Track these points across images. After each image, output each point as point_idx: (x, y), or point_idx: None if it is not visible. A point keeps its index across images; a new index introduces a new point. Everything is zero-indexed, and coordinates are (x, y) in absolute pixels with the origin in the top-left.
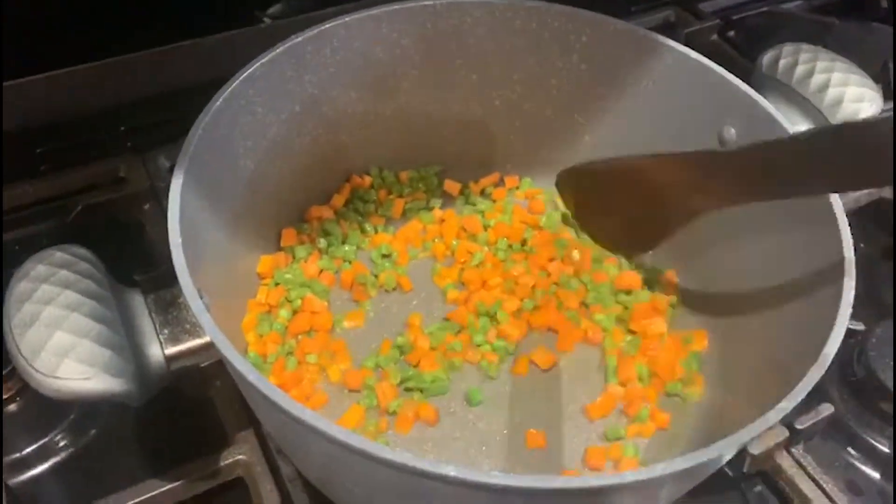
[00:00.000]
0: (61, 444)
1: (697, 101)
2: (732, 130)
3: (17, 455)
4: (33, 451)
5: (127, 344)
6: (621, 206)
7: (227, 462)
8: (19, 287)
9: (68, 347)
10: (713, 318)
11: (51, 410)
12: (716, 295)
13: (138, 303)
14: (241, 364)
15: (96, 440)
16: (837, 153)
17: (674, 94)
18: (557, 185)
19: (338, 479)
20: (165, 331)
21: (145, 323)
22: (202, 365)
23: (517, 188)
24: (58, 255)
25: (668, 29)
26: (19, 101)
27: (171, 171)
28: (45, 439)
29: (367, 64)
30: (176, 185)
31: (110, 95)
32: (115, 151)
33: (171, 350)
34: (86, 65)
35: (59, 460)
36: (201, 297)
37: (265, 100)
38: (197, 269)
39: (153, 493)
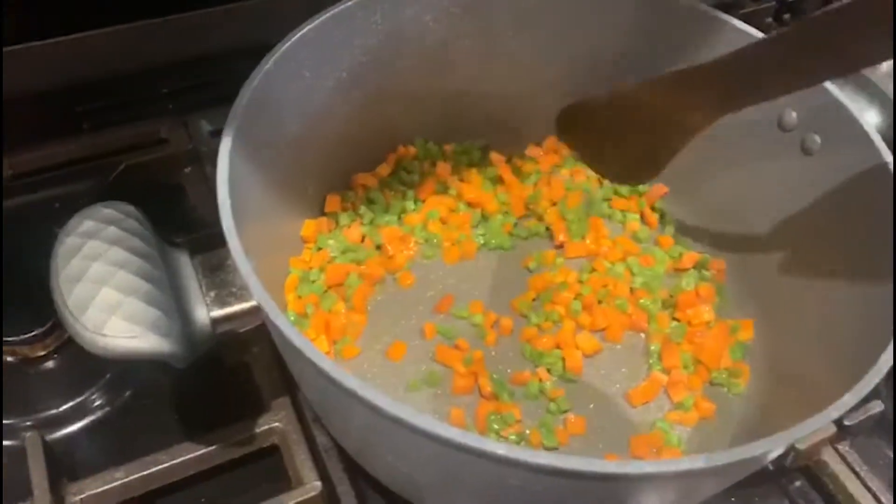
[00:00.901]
0: (97, 402)
1: None
2: (794, 114)
3: (54, 412)
4: (69, 408)
5: (174, 304)
6: (622, 136)
7: (262, 429)
8: (67, 242)
9: (115, 305)
10: (761, 307)
11: (87, 369)
12: (765, 283)
13: (184, 264)
14: (288, 329)
15: (131, 400)
16: (831, 32)
17: None
18: (557, 124)
19: (378, 450)
20: (212, 293)
21: (192, 284)
22: (241, 330)
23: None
24: (106, 211)
25: (722, 10)
26: (60, 59)
27: (212, 135)
28: (81, 397)
29: (417, 32)
30: (225, 146)
31: (152, 57)
32: (157, 113)
33: (217, 313)
34: (127, 25)
35: (94, 419)
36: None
37: (314, 64)
38: (241, 231)
39: (188, 457)
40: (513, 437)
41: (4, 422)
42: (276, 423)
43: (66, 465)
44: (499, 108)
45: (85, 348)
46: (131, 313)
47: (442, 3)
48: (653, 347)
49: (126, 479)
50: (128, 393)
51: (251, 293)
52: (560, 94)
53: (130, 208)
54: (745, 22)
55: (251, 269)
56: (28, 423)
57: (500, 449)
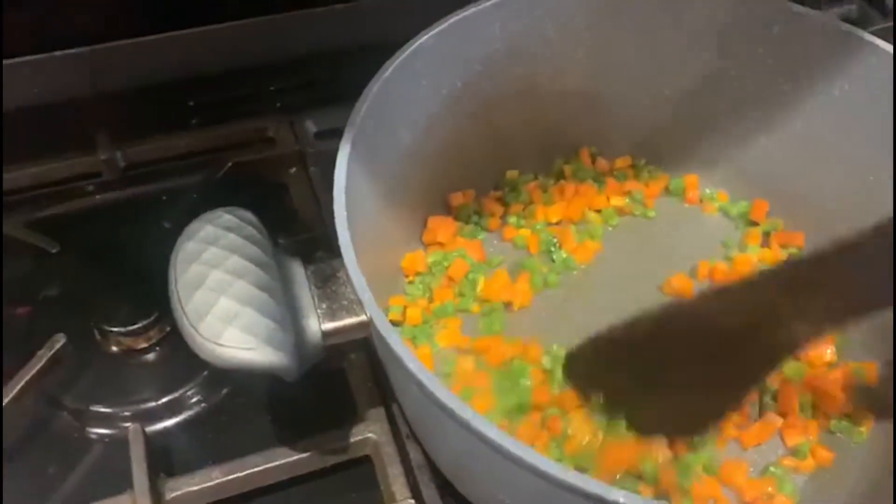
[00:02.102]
0: (194, 399)
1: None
2: None
3: (151, 404)
4: (166, 402)
5: (288, 316)
6: (670, 374)
7: (356, 439)
8: (187, 247)
9: (233, 315)
10: (886, 348)
11: (186, 364)
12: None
13: (298, 273)
14: (399, 347)
15: (227, 399)
16: None
17: (872, 103)
18: (565, 371)
19: (476, 478)
20: (324, 305)
21: (305, 295)
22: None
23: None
24: (226, 217)
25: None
26: (176, 53)
27: (317, 136)
28: (178, 392)
29: (535, 41)
30: (343, 154)
31: (262, 54)
32: (264, 111)
33: (329, 326)
34: (237, 22)
35: (190, 415)
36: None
37: (431, 72)
38: (354, 242)
39: (282, 462)
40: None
41: (102, 409)
42: (370, 434)
43: (161, 460)
44: (612, 122)
45: (200, 356)
46: (248, 324)
47: (564, 11)
48: (768, 388)
49: (222, 479)
50: (224, 391)
51: (364, 308)
52: (679, 110)
53: (249, 215)
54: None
55: (364, 284)
56: (126, 414)
57: (620, 497)
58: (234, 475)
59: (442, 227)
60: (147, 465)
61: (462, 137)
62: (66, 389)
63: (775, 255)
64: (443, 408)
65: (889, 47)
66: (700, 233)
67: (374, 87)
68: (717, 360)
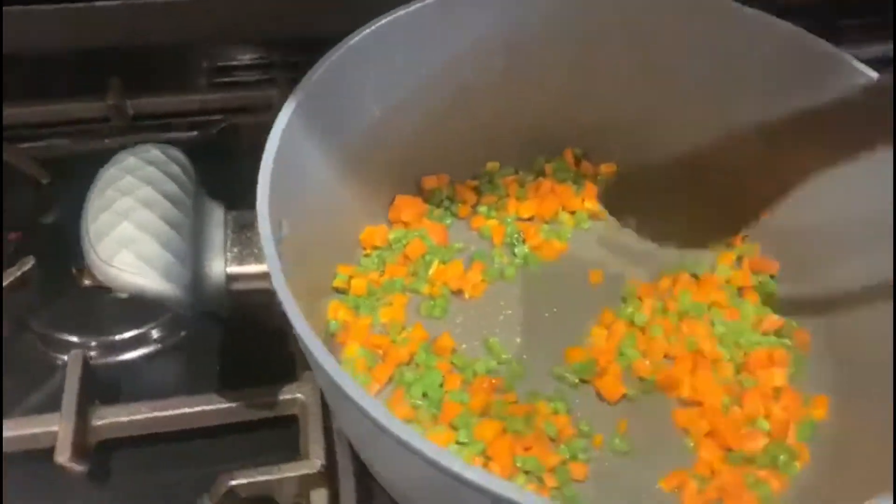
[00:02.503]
0: (153, 338)
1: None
2: None
3: (112, 338)
4: (126, 338)
5: (190, 252)
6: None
7: (285, 397)
8: (108, 173)
9: (129, 240)
10: (839, 383)
11: (150, 307)
12: (848, 357)
13: (218, 217)
14: (289, 303)
15: (182, 342)
16: None
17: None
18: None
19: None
20: (235, 249)
21: (217, 237)
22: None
23: None
24: (153, 152)
25: (885, 65)
26: (198, 16)
27: None
28: (139, 330)
29: (520, 32)
30: (286, 110)
31: (282, 28)
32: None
33: (234, 269)
34: None
35: (143, 353)
36: (280, 227)
37: (407, 49)
38: (290, 199)
39: (210, 408)
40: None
41: (67, 337)
42: (300, 395)
43: (104, 390)
44: (593, 126)
45: (95, 275)
46: (143, 251)
47: (552, 4)
48: None
49: (148, 415)
50: (182, 334)
51: (265, 257)
52: (669, 120)
53: (179, 155)
54: None
55: (270, 234)
56: (93, 345)
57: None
58: (160, 413)
59: (409, 206)
60: (79, 389)
61: (440, 122)
62: (36, 314)
63: (745, 279)
64: (316, 365)
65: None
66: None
67: (335, 55)
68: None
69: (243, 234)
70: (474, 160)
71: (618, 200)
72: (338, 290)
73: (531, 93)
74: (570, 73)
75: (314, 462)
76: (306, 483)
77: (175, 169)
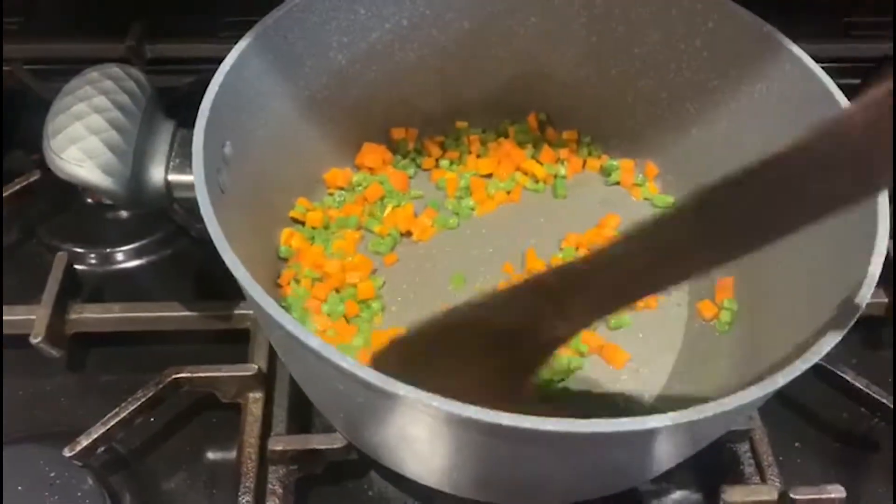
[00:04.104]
0: (144, 252)
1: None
2: None
3: (107, 250)
4: (120, 251)
5: (132, 155)
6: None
7: (240, 312)
8: (73, 83)
9: (78, 138)
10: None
11: (144, 225)
12: None
13: (167, 131)
14: (207, 213)
15: (165, 260)
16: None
17: (786, 105)
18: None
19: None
20: (177, 160)
21: (162, 148)
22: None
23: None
24: (114, 69)
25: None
26: None
27: None
28: (133, 245)
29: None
30: (242, 43)
31: None
32: None
33: (173, 177)
34: None
35: (134, 265)
36: (223, 147)
37: (371, 2)
38: (240, 127)
39: (170, 314)
40: None
41: (68, 247)
42: (252, 311)
43: (92, 293)
44: (559, 93)
45: (49, 167)
46: (89, 148)
47: None
48: None
49: (119, 315)
50: (168, 252)
51: (193, 168)
52: (624, 92)
53: (139, 74)
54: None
55: (201, 143)
56: (91, 255)
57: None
58: (129, 314)
59: (374, 153)
60: (60, 285)
61: (408, 77)
62: (42, 224)
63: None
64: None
65: (802, 53)
66: (616, 213)
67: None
68: (499, 355)
69: (187, 149)
70: (444, 118)
71: None
72: (295, 221)
73: (497, 56)
74: (534, 39)
75: (252, 366)
76: (244, 384)
77: (130, 84)
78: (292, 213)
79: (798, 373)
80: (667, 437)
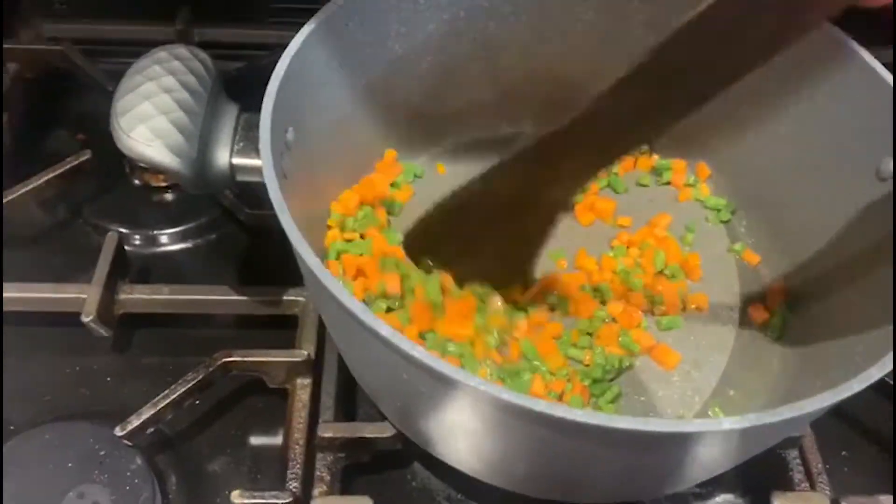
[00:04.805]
0: (190, 235)
1: (877, 126)
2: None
3: (153, 232)
4: (166, 233)
5: (199, 136)
6: (479, 239)
7: (289, 298)
8: (141, 62)
9: (147, 117)
10: None
11: (191, 207)
12: None
13: (232, 114)
14: (275, 195)
15: (213, 243)
16: None
17: (851, 111)
18: (407, 252)
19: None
20: (241, 143)
21: (227, 130)
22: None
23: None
24: (180, 49)
25: None
26: None
27: None
28: (178, 228)
29: None
30: (306, 29)
31: None
32: None
33: (237, 160)
34: None
35: (178, 248)
36: (286, 132)
37: None
38: (301, 112)
39: (219, 297)
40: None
41: (115, 227)
42: (302, 298)
43: (138, 273)
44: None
45: (117, 144)
46: (157, 128)
47: None
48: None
49: (168, 297)
50: (213, 236)
51: (261, 154)
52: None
53: (204, 55)
54: None
55: (268, 130)
56: (137, 237)
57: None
58: (178, 296)
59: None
60: (110, 265)
61: (462, 69)
62: (89, 204)
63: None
64: (301, 259)
65: (873, 61)
66: (667, 213)
67: None
68: (508, 227)
69: (251, 133)
70: (495, 111)
71: None
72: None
73: (551, 51)
74: (589, 36)
75: (301, 352)
76: (293, 370)
77: (197, 65)
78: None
79: (870, 382)
80: (734, 439)
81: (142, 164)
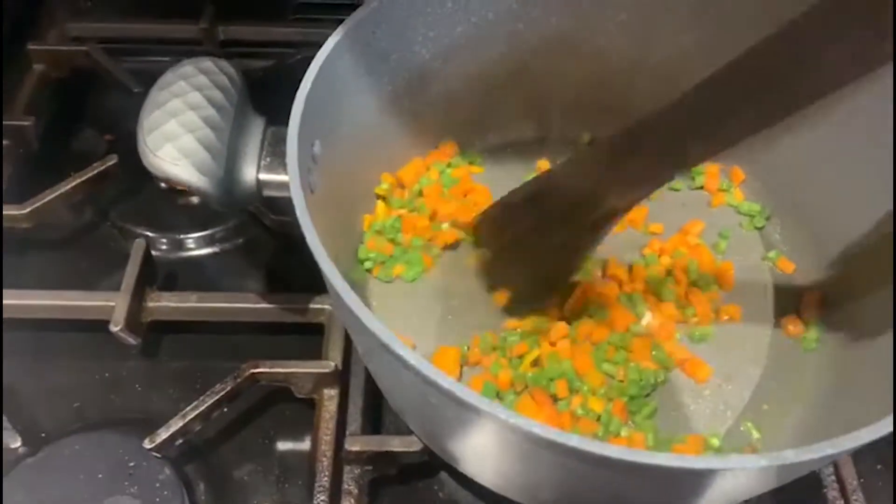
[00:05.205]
0: (216, 240)
1: None
2: None
3: (179, 237)
4: (193, 238)
5: (225, 153)
6: (534, 238)
7: (315, 306)
8: (167, 78)
9: (173, 136)
10: None
11: (214, 214)
12: None
13: (258, 128)
14: (303, 214)
15: (238, 249)
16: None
17: (889, 109)
18: (475, 231)
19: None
20: (268, 159)
21: (254, 145)
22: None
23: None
24: (206, 63)
25: None
26: None
27: None
28: (204, 232)
29: None
30: (334, 38)
31: None
32: None
33: (264, 176)
34: None
35: (206, 252)
36: (312, 146)
37: None
38: (328, 123)
39: (246, 305)
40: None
41: (141, 230)
42: (328, 306)
43: (165, 279)
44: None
45: (143, 163)
46: (184, 146)
47: None
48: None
49: (195, 304)
50: (239, 241)
51: (288, 171)
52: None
53: (230, 69)
54: None
55: (295, 143)
56: (162, 240)
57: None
58: (206, 304)
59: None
60: (139, 273)
61: (490, 73)
62: (115, 207)
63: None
64: (329, 282)
65: None
66: (700, 220)
67: None
68: (563, 227)
69: (278, 147)
70: (524, 115)
71: None
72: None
73: (583, 54)
74: (622, 38)
75: (329, 363)
76: (320, 381)
77: (223, 80)
78: (377, 191)
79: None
80: (770, 472)
81: (167, 183)
